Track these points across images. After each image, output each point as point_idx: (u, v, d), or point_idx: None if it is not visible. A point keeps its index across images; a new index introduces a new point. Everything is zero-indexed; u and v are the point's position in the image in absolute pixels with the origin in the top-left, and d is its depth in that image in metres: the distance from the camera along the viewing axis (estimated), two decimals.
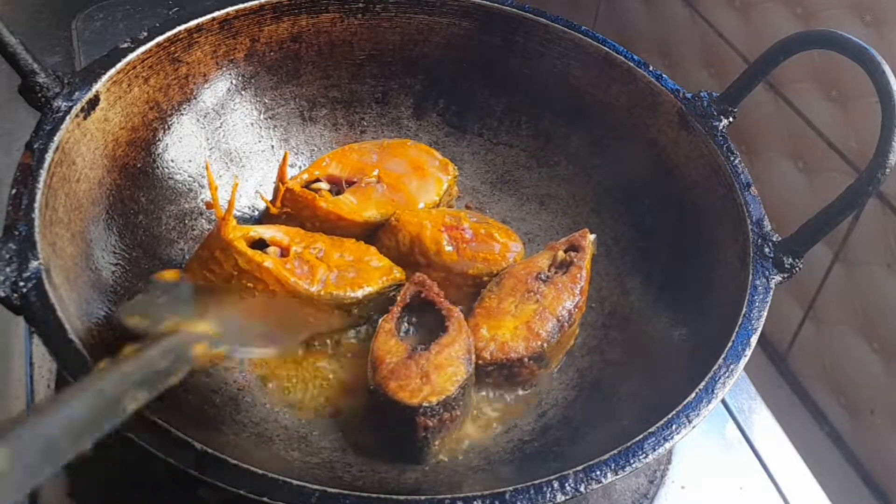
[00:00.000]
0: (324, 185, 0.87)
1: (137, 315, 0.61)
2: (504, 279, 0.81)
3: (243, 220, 0.88)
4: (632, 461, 0.59)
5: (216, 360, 0.61)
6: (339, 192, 0.87)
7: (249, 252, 0.74)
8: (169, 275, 0.72)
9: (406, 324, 0.78)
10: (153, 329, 0.58)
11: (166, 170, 0.83)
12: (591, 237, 0.84)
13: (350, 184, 0.88)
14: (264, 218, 0.87)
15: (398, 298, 0.78)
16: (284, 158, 0.85)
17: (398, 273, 0.81)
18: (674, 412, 0.62)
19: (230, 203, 0.76)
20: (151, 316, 0.61)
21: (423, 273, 0.81)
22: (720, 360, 0.65)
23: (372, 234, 0.86)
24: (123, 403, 0.46)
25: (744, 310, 0.68)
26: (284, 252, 0.78)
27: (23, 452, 0.39)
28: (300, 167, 0.94)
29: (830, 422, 1.07)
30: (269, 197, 0.86)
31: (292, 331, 0.68)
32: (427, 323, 0.78)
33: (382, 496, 0.55)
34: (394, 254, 0.84)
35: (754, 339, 0.67)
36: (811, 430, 1.08)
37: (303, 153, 0.95)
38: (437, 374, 0.70)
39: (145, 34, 0.80)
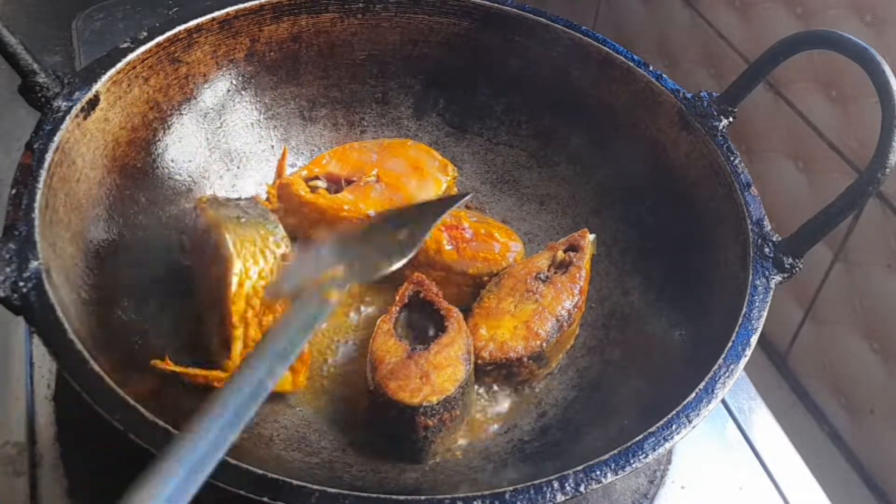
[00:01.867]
0: (321, 184, 0.87)
1: (276, 291, 0.69)
2: (503, 279, 0.81)
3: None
4: (632, 461, 0.59)
5: (350, 296, 0.69)
6: (337, 191, 0.87)
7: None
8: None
9: (404, 324, 0.78)
10: (295, 293, 0.66)
11: (166, 170, 0.83)
12: (591, 237, 0.84)
13: (349, 182, 0.88)
14: None
15: (396, 298, 0.78)
16: (283, 154, 0.86)
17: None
18: (674, 412, 0.62)
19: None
20: (291, 283, 0.68)
21: (422, 272, 0.81)
22: (720, 360, 0.65)
23: None
24: (266, 384, 0.54)
25: (744, 310, 0.68)
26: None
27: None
28: (300, 167, 0.94)
29: (830, 422, 1.07)
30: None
31: (415, 235, 0.72)
32: (426, 323, 0.78)
33: (382, 496, 0.55)
34: None
35: (754, 339, 0.67)
36: (811, 430, 1.08)
37: (303, 153, 0.95)
38: (437, 373, 0.70)
39: (145, 34, 0.80)
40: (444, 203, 0.75)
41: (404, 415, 0.68)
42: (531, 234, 0.93)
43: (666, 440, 0.60)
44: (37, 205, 0.64)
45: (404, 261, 0.69)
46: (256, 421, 0.72)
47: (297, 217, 0.86)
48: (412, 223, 0.73)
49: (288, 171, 0.92)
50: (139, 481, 0.45)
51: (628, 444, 0.60)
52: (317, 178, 0.88)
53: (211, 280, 0.74)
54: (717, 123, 0.82)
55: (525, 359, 0.75)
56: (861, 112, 0.98)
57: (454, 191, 0.92)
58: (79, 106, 0.72)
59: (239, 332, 0.71)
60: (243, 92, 0.91)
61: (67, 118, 0.70)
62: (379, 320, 0.76)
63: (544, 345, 0.76)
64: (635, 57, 0.88)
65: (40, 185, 0.65)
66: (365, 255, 0.69)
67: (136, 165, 0.80)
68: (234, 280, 0.71)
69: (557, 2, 1.41)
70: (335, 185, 0.88)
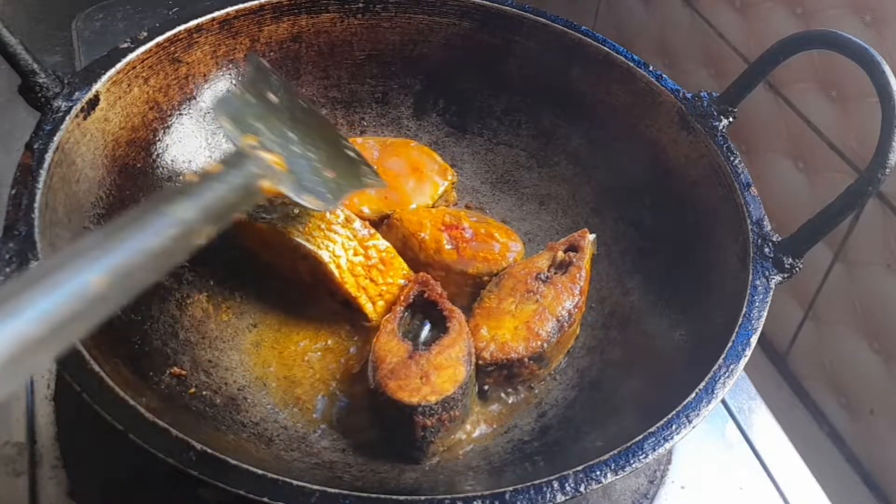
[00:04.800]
0: None
1: (230, 119, 0.65)
2: (504, 279, 0.81)
3: None
4: (632, 461, 0.59)
5: (276, 196, 0.67)
6: None
7: None
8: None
9: (408, 324, 0.78)
10: (238, 139, 0.63)
11: (166, 170, 0.83)
12: (591, 237, 0.84)
13: None
14: None
15: (401, 298, 0.78)
16: None
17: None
18: (674, 412, 0.62)
19: None
20: (240, 122, 0.65)
21: (422, 272, 0.81)
22: (720, 360, 0.65)
23: None
24: (195, 234, 0.50)
25: (744, 310, 0.68)
26: None
27: (116, 271, 0.43)
28: None
29: (830, 422, 1.07)
30: None
31: (341, 189, 0.72)
32: (428, 323, 0.78)
33: (382, 496, 0.55)
34: None
35: (754, 339, 0.67)
36: (811, 430, 1.08)
37: None
38: (437, 374, 0.70)
39: (145, 34, 0.80)
40: (366, 180, 0.78)
41: (403, 414, 0.68)
42: (531, 234, 0.93)
43: (666, 440, 0.60)
44: (37, 205, 0.64)
45: (321, 209, 0.69)
46: (256, 421, 0.72)
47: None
48: (342, 172, 0.74)
49: None
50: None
51: (628, 444, 0.60)
52: None
53: (303, 273, 0.80)
54: (717, 123, 0.82)
55: (526, 359, 0.75)
56: (861, 112, 0.98)
57: (453, 195, 0.92)
58: (79, 106, 0.72)
59: (363, 299, 0.79)
60: None
61: (67, 118, 0.70)
62: (384, 319, 0.76)
63: (545, 345, 0.76)
64: (635, 57, 0.88)
65: (40, 185, 0.65)
66: (301, 168, 0.67)
67: (136, 165, 0.80)
68: (333, 269, 0.77)
69: (557, 2, 1.41)
70: None
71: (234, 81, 0.89)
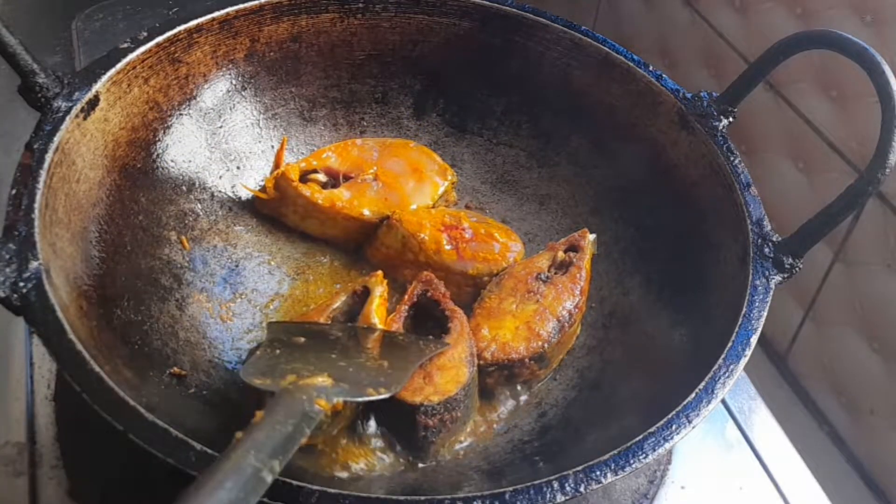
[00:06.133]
0: (321, 177, 0.88)
1: (260, 376, 0.63)
2: (504, 279, 0.81)
3: (235, 209, 0.89)
4: (632, 461, 0.59)
5: (337, 409, 0.65)
6: (335, 185, 0.88)
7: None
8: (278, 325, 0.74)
9: (410, 323, 0.78)
10: (276, 386, 0.61)
11: (166, 170, 0.83)
12: (591, 237, 0.84)
13: (347, 178, 0.88)
14: (256, 204, 0.89)
15: (405, 297, 0.78)
16: (282, 144, 0.86)
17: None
18: (674, 412, 0.62)
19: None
20: (273, 374, 0.63)
21: (426, 272, 0.81)
22: (720, 360, 0.65)
23: (370, 231, 0.86)
24: (263, 476, 0.50)
25: (744, 310, 0.68)
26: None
27: None
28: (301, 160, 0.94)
29: (830, 422, 1.07)
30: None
31: (401, 370, 0.68)
32: (430, 323, 0.78)
33: (382, 496, 0.55)
34: (393, 252, 0.84)
35: (754, 339, 0.67)
36: (811, 430, 1.08)
37: (303, 153, 0.95)
38: (440, 374, 0.70)
39: (145, 34, 0.80)
40: (426, 348, 0.72)
41: (405, 413, 0.68)
42: (531, 234, 0.93)
43: (666, 440, 0.60)
44: (37, 205, 0.64)
45: (388, 395, 0.65)
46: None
47: (291, 208, 0.87)
48: (395, 357, 0.70)
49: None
50: None
51: (628, 444, 0.60)
52: (315, 171, 0.88)
53: None
54: (717, 123, 0.81)
55: (527, 360, 0.75)
56: (861, 112, 0.98)
57: (452, 195, 0.92)
58: (79, 106, 0.72)
59: None
60: (243, 92, 0.91)
61: (67, 118, 0.70)
62: (388, 319, 0.76)
63: (546, 345, 0.76)
64: (635, 57, 0.88)
65: (40, 185, 0.65)
66: (351, 374, 0.65)
67: (136, 165, 0.80)
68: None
69: (557, 2, 1.41)
70: (333, 179, 0.88)
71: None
